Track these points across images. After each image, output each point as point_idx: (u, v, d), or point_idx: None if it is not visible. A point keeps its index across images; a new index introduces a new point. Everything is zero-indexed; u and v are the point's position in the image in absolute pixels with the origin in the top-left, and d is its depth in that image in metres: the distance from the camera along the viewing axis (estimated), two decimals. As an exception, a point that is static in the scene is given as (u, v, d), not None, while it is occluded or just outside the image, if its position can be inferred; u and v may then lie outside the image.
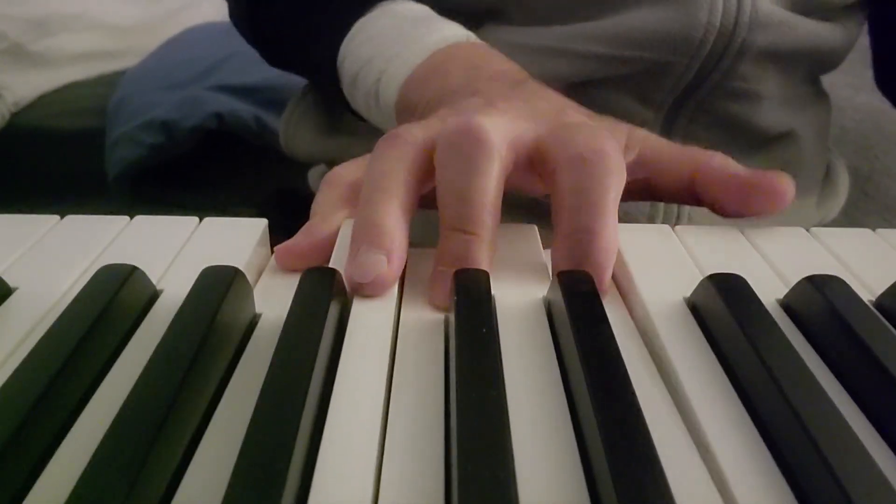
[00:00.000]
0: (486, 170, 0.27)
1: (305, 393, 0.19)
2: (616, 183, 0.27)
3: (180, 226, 0.31)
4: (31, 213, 0.32)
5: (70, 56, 1.13)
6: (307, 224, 0.31)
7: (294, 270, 0.29)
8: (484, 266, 0.27)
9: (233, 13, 0.54)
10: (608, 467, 0.17)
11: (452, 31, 0.41)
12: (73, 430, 0.20)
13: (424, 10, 0.44)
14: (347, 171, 0.33)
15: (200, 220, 0.32)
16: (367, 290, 0.26)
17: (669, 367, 0.23)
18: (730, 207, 0.32)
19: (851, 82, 0.68)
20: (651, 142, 0.34)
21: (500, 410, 0.19)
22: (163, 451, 0.18)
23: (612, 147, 0.28)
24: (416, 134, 0.29)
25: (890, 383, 0.21)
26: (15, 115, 1.05)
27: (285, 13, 0.49)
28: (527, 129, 0.30)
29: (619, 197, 0.27)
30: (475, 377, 0.20)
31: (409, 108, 0.39)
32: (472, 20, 0.48)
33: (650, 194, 0.34)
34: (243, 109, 0.92)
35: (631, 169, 0.32)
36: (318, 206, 0.32)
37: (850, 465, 0.18)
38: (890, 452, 0.20)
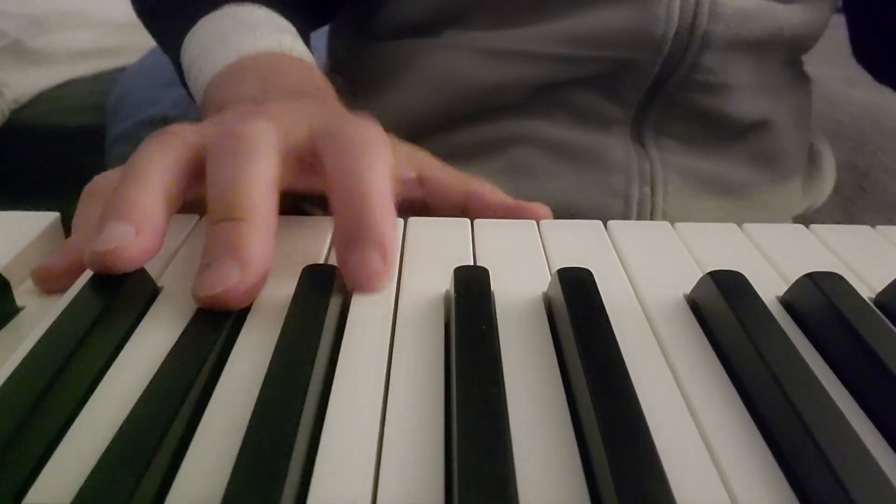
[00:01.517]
0: (254, 160, 0.26)
1: (305, 390, 0.19)
2: (380, 162, 0.27)
3: (179, 223, 0.31)
4: (30, 210, 0.32)
5: (69, 53, 1.13)
6: (67, 240, 0.29)
7: (57, 291, 0.26)
8: (256, 253, 0.24)
9: None
10: (608, 464, 0.17)
11: (272, 41, 0.40)
12: (74, 426, 0.20)
13: (267, 16, 0.42)
14: (108, 181, 0.30)
15: (200, 217, 0.32)
16: (108, 262, 0.24)
17: (669, 364, 0.23)
18: None
19: (845, 76, 0.68)
20: (430, 164, 0.36)
21: (499, 407, 0.19)
22: (163, 450, 0.18)
23: (377, 134, 0.28)
24: (186, 132, 0.28)
25: (889, 380, 0.21)
26: (14, 113, 1.05)
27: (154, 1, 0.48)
28: (297, 130, 0.29)
29: (387, 175, 0.27)
30: (475, 374, 0.20)
31: (206, 110, 0.38)
32: (432, 27, 0.48)
33: (426, 214, 0.35)
34: (242, 106, 0.92)
35: (410, 188, 0.34)
36: (78, 221, 0.29)
37: (850, 463, 0.18)
38: (890, 449, 0.20)
